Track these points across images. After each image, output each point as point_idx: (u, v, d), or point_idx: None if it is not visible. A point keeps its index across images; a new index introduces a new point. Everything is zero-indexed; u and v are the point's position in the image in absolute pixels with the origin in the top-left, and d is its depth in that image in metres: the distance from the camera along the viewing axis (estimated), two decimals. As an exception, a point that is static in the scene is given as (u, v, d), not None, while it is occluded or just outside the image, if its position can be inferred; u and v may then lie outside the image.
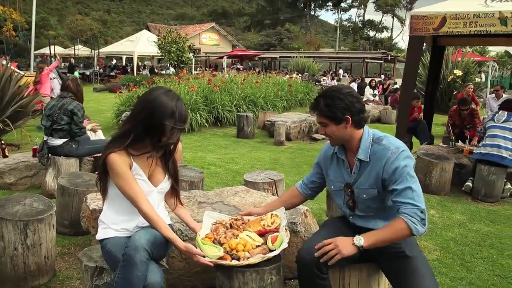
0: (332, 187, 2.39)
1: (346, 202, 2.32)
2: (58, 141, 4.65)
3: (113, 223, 2.18)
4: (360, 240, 2.02)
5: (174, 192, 2.38)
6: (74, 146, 4.69)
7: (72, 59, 27.38)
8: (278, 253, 2.20)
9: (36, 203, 2.93)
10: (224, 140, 8.86)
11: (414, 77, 5.91)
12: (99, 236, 2.19)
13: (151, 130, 2.05)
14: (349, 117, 2.12)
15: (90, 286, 2.20)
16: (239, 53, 33.02)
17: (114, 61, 29.97)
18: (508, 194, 5.44)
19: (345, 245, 2.02)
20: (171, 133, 2.07)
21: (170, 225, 2.36)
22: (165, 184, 2.28)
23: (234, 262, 2.12)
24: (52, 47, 24.07)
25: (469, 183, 5.50)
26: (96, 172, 2.38)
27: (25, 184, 4.94)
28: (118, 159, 2.06)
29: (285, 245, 2.22)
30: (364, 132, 2.22)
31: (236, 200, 3.23)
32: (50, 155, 4.69)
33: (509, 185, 5.39)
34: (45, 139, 4.68)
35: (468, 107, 6.70)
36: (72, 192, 3.64)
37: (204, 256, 2.11)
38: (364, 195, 2.20)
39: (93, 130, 5.30)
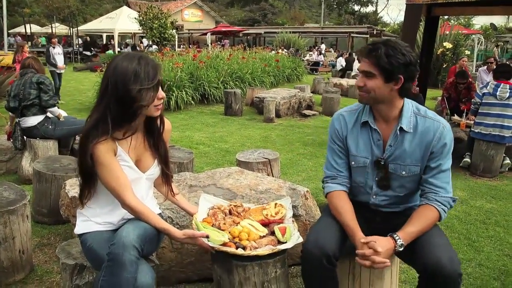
0: (353, 163, 2.03)
1: (377, 180, 2.00)
2: (32, 120, 4.33)
3: (95, 215, 1.90)
4: (403, 245, 1.77)
5: (165, 179, 2.07)
6: (50, 127, 4.37)
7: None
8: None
9: (7, 192, 2.63)
10: (212, 118, 8.55)
11: (412, 48, 5.64)
12: (78, 230, 1.91)
13: (122, 103, 1.74)
14: (402, 78, 1.81)
15: (70, 287, 1.93)
16: (223, 29, 32.26)
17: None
18: (507, 169, 5.28)
19: (388, 253, 1.76)
20: (140, 95, 1.74)
21: (159, 214, 2.08)
22: (155, 169, 1.99)
23: (240, 251, 1.86)
24: (27, 25, 23.14)
25: (467, 159, 5.33)
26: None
27: (0, 170, 4.60)
28: (102, 148, 1.76)
29: (299, 238, 1.97)
30: (406, 102, 1.94)
31: (230, 183, 2.97)
32: (25, 137, 4.35)
33: (507, 160, 5.22)
34: (17, 120, 4.35)
35: (466, 81, 6.46)
36: (49, 177, 3.33)
37: (207, 237, 1.85)
38: (404, 172, 1.93)
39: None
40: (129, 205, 1.79)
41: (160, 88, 1.82)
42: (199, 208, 2.18)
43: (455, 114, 6.36)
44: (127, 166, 1.86)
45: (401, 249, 1.76)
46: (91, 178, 1.83)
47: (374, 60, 1.80)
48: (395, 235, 1.78)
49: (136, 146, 1.90)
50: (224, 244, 1.87)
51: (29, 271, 2.67)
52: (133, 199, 1.80)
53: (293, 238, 1.99)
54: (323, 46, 29.87)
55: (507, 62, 13.68)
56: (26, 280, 2.62)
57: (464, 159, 5.32)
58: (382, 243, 1.75)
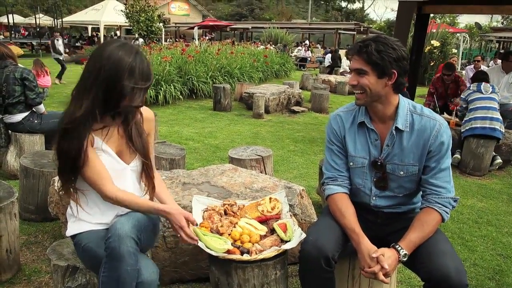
0: (351, 163, 1.99)
1: (374, 181, 1.95)
2: (17, 117, 4.18)
3: (87, 215, 1.81)
4: (406, 255, 1.74)
5: (146, 174, 1.90)
6: (36, 121, 4.22)
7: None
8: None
9: (-6, 189, 2.52)
10: (201, 113, 8.46)
11: (404, 45, 5.64)
12: (70, 231, 1.82)
13: (110, 96, 1.63)
14: (395, 73, 1.77)
15: (62, 289, 1.86)
16: (211, 23, 31.97)
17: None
18: (497, 167, 5.32)
19: (393, 267, 1.73)
20: (132, 95, 1.64)
21: None
22: (138, 162, 1.88)
23: (246, 257, 1.81)
24: (10, 15, 22.63)
25: (457, 155, 5.36)
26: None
27: (-17, 165, 4.46)
28: None
29: (302, 234, 1.94)
30: (401, 99, 1.89)
31: (224, 180, 2.91)
32: (10, 132, 4.20)
33: (499, 160, 5.25)
34: (0, 117, 4.17)
35: (451, 73, 6.47)
36: (37, 173, 3.23)
37: (197, 225, 1.84)
38: (402, 172, 1.90)
39: None
40: (111, 196, 1.71)
41: None
42: (193, 211, 2.11)
43: (444, 113, 6.38)
44: (109, 156, 1.77)
45: (404, 259, 1.73)
46: (76, 173, 1.71)
47: (365, 57, 1.77)
48: (397, 246, 1.75)
49: (113, 137, 1.80)
50: (228, 251, 1.83)
51: (16, 270, 2.58)
52: (114, 188, 1.73)
53: (296, 234, 1.96)
54: (307, 42, 29.84)
55: (492, 61, 13.86)
56: (14, 280, 2.53)
57: (454, 155, 5.34)
58: (388, 256, 1.72)
